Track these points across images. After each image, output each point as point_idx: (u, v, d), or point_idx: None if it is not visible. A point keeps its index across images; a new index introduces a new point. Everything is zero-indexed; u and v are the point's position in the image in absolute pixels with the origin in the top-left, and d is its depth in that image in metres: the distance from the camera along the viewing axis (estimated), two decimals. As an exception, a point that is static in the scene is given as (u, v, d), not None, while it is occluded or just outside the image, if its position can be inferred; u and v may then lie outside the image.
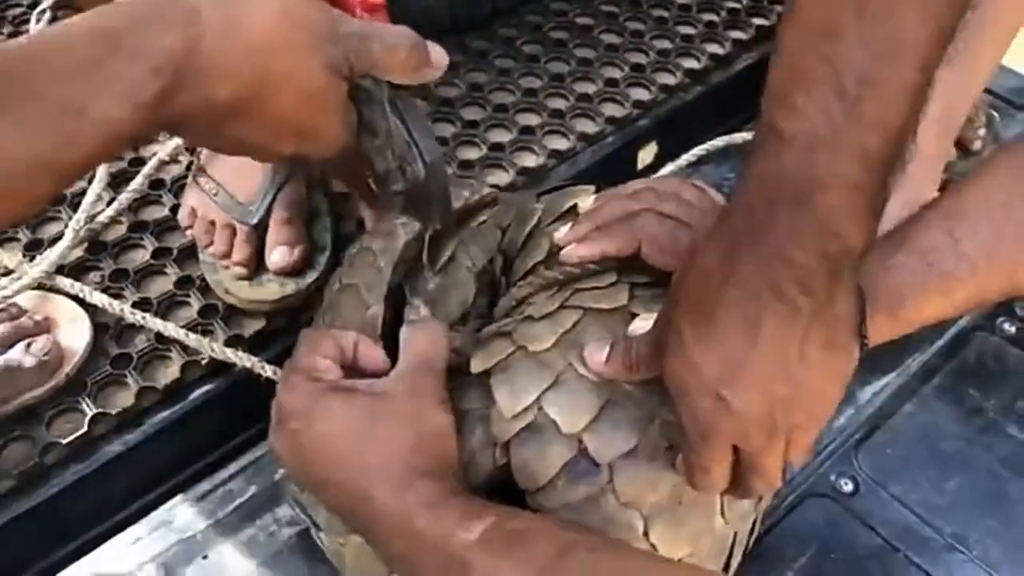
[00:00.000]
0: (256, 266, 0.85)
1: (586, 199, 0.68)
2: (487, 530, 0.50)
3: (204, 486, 0.78)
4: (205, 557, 0.74)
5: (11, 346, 0.79)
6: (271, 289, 0.85)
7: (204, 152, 0.91)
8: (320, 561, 0.70)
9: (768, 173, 0.47)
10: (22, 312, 0.82)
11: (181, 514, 0.77)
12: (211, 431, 0.81)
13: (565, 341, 0.58)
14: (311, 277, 0.85)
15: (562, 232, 0.64)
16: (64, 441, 0.77)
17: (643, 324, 0.57)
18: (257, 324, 0.85)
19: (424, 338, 0.59)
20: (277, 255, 0.84)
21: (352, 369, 0.59)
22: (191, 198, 0.89)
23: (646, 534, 0.56)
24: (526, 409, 0.56)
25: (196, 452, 0.82)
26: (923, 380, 0.86)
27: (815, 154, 0.45)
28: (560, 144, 1.03)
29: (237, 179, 0.87)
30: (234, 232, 0.86)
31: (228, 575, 0.73)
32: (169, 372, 0.82)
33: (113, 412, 0.79)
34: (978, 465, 0.79)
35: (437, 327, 0.61)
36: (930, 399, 0.84)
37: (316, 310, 0.71)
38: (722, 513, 0.59)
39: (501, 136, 1.04)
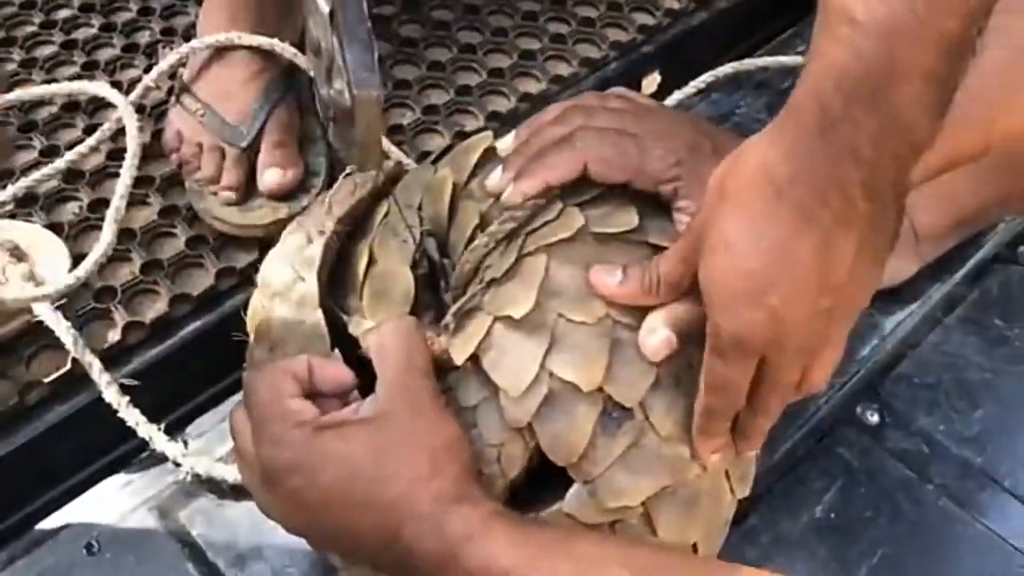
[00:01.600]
0: (246, 191, 0.80)
1: (502, 142, 0.62)
2: (551, 558, 0.46)
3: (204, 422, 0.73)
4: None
5: None
6: (262, 214, 0.80)
7: (187, 70, 0.85)
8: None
9: (843, 65, 0.43)
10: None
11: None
12: (202, 368, 0.76)
13: (544, 292, 0.53)
14: (305, 201, 0.80)
15: (495, 178, 0.58)
16: (46, 380, 0.72)
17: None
18: (250, 255, 0.80)
19: (396, 341, 0.51)
20: (270, 177, 0.79)
21: (314, 396, 0.51)
22: (176, 120, 0.84)
23: (693, 458, 0.53)
24: (536, 381, 0.51)
25: (187, 390, 0.77)
26: (946, 310, 0.83)
27: (895, 42, 0.42)
28: (562, 70, 0.98)
29: (225, 100, 0.82)
30: (223, 155, 0.80)
31: (227, 517, 0.69)
32: (157, 307, 0.77)
33: (98, 348, 0.74)
34: (1006, 395, 0.77)
35: (406, 323, 0.53)
36: (954, 329, 0.82)
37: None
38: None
39: (500, 61, 0.99)
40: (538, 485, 0.54)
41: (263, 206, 0.80)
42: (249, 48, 0.84)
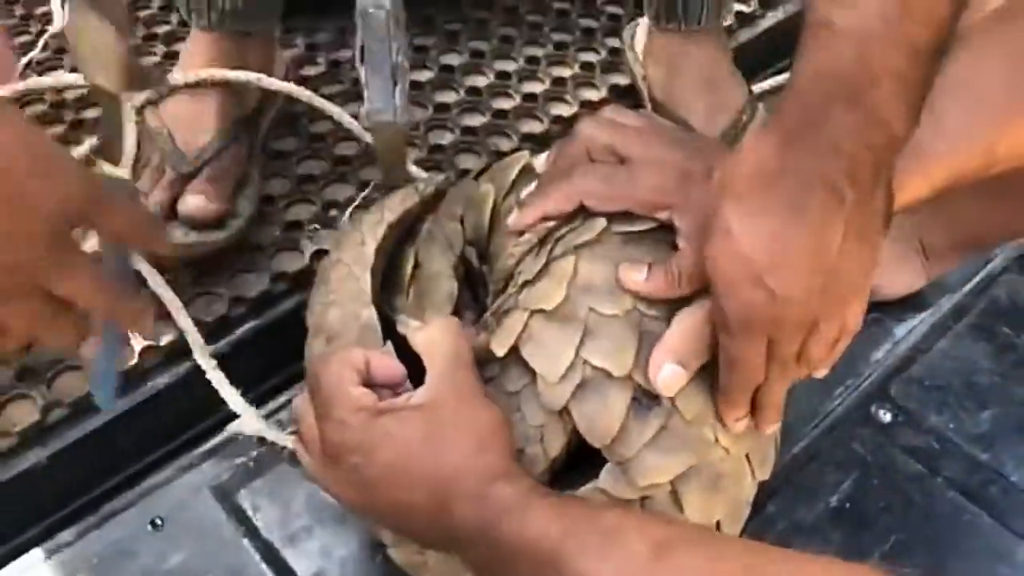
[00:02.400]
0: (169, 215, 0.83)
1: (538, 160, 0.68)
2: (578, 530, 0.49)
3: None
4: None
5: None
6: (174, 235, 0.82)
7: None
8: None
9: (822, 68, 0.48)
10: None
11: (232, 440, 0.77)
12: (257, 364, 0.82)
13: (575, 288, 0.58)
14: (216, 236, 0.84)
15: (514, 216, 0.63)
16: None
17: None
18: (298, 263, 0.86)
19: (444, 337, 0.57)
20: (193, 201, 0.82)
21: (369, 386, 0.56)
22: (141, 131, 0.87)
23: (717, 440, 0.57)
24: (571, 368, 0.56)
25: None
26: (956, 318, 0.87)
27: (869, 47, 0.47)
28: (592, 95, 1.05)
29: (185, 128, 0.86)
30: (162, 174, 0.85)
31: (282, 499, 0.74)
32: (214, 309, 0.83)
33: (162, 343, 0.80)
34: (1013, 397, 0.81)
35: (451, 322, 0.59)
36: (964, 336, 0.86)
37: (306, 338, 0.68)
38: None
39: (534, 87, 1.06)
40: (576, 466, 0.59)
41: (178, 228, 0.83)
42: (223, 89, 0.89)
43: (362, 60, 0.65)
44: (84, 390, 0.77)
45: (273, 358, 0.81)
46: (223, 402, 0.76)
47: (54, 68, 1.05)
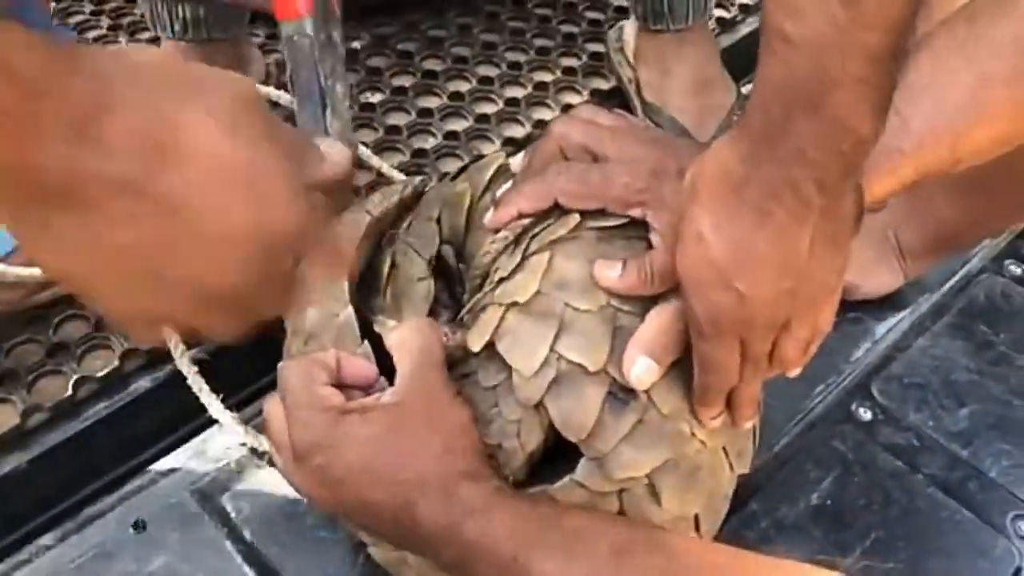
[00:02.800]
0: None
1: (514, 160, 0.69)
2: (543, 532, 0.50)
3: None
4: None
5: None
6: None
7: None
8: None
9: (780, 78, 0.48)
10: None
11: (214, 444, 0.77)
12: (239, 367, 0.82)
13: (549, 282, 0.58)
14: None
15: (490, 215, 0.63)
16: (97, 375, 0.78)
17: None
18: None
19: (415, 336, 0.57)
20: None
21: (341, 387, 0.56)
22: None
23: (693, 434, 0.58)
24: (546, 363, 0.56)
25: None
26: (935, 318, 0.88)
27: (824, 56, 0.46)
28: (573, 99, 1.06)
29: None
30: None
31: (263, 502, 0.74)
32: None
33: (143, 348, 0.80)
34: (990, 394, 0.82)
35: (423, 322, 0.59)
36: (942, 335, 0.87)
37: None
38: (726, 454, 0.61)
39: (516, 92, 1.07)
40: (554, 459, 0.59)
41: None
42: None
43: (292, 89, 0.65)
44: (65, 393, 0.77)
45: (255, 362, 0.81)
46: (203, 407, 0.76)
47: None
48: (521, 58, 1.11)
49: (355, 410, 0.54)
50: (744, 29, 1.16)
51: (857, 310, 0.87)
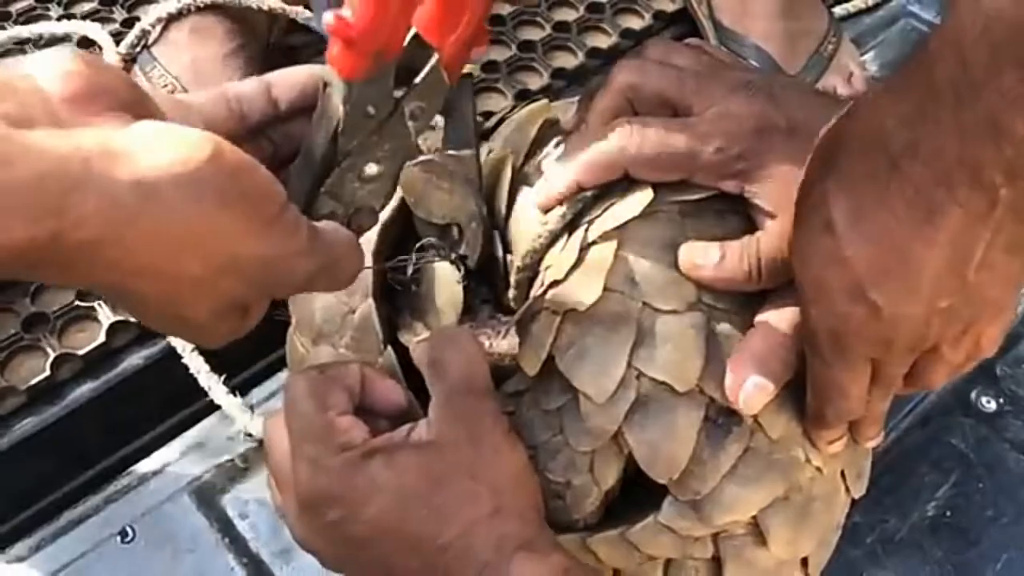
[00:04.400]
0: None
1: (563, 113, 0.54)
2: None
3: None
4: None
5: None
6: None
7: (157, 38, 0.79)
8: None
9: (994, 10, 0.33)
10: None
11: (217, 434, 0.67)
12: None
13: (617, 278, 0.45)
14: None
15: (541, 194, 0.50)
16: (80, 352, 0.67)
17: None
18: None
19: (453, 353, 0.45)
20: None
21: (363, 412, 0.45)
22: None
23: (808, 460, 0.46)
24: (622, 384, 0.44)
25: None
26: (1069, 285, 0.74)
27: None
28: (634, 23, 0.91)
29: (197, 77, 0.76)
30: None
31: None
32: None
33: (133, 320, 0.69)
34: None
35: (462, 334, 0.46)
36: (1079, 306, 0.73)
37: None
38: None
39: (566, 15, 0.92)
40: (631, 493, 0.47)
41: None
42: (228, 21, 0.78)
43: None
44: (42, 374, 0.66)
45: (258, 340, 0.69)
46: (203, 389, 0.66)
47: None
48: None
49: (380, 451, 0.42)
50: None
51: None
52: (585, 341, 0.45)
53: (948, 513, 0.63)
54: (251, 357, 0.70)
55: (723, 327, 0.44)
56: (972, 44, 0.34)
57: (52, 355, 0.67)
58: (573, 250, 0.46)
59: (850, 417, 0.44)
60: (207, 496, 0.64)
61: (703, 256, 0.45)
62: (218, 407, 0.67)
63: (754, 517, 0.45)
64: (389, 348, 0.48)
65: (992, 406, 0.68)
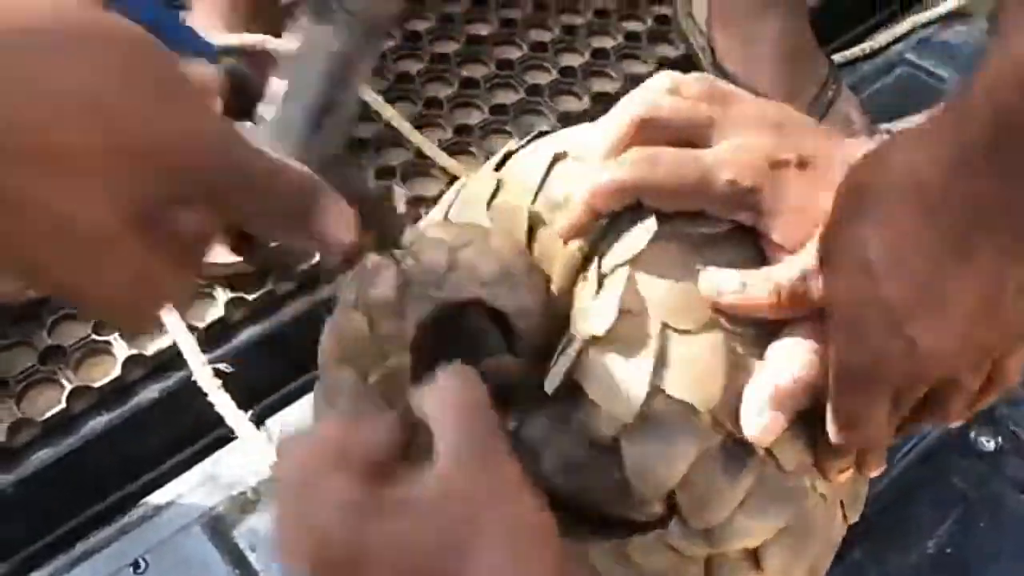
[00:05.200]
0: None
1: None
2: None
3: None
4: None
5: None
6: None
7: None
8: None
9: (1022, 56, 0.34)
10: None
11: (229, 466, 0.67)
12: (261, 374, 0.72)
13: (633, 300, 0.45)
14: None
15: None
16: (96, 385, 0.68)
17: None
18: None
19: (456, 388, 0.41)
20: None
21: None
22: None
23: (814, 488, 0.47)
24: (642, 401, 0.44)
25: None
26: (1065, 327, 0.76)
27: None
28: (638, 68, 0.94)
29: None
30: None
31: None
32: (211, 313, 0.73)
33: (148, 353, 0.70)
34: None
35: (464, 370, 0.42)
36: (1075, 348, 0.74)
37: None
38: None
39: (571, 60, 0.94)
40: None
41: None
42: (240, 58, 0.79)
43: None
44: (58, 406, 0.67)
45: (274, 369, 0.71)
46: (217, 422, 0.67)
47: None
48: (577, 21, 0.99)
49: (386, 505, 0.38)
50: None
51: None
52: (605, 362, 0.45)
53: (949, 551, 0.63)
54: (263, 390, 0.72)
55: (739, 353, 0.45)
56: (1008, 89, 0.35)
57: (68, 388, 0.68)
58: (593, 281, 0.47)
59: (870, 446, 0.45)
60: (219, 528, 0.64)
61: (726, 282, 0.45)
62: (230, 440, 0.68)
63: (758, 546, 0.46)
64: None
65: (991, 445, 0.69)
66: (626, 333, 0.45)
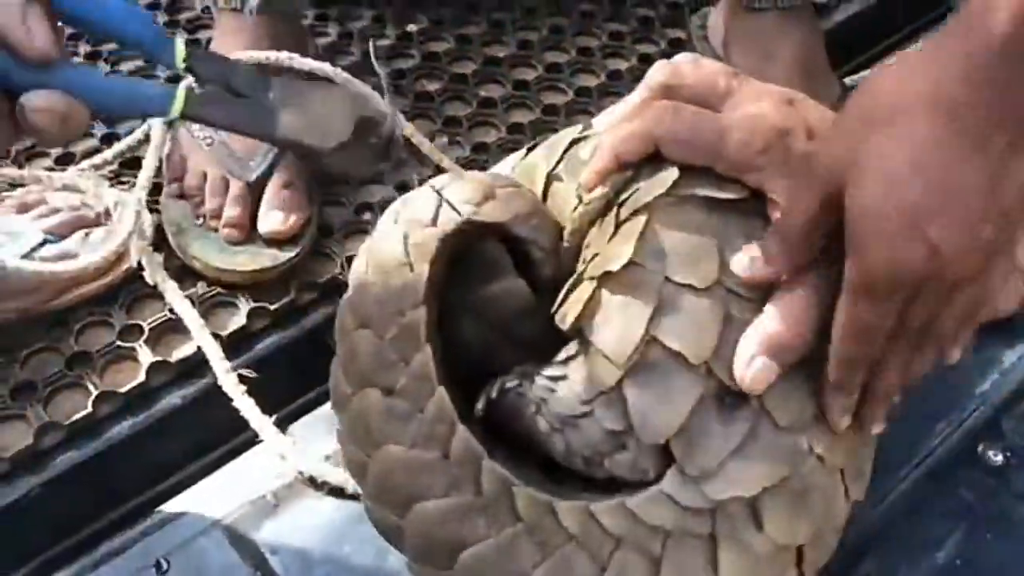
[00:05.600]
0: (247, 231, 0.76)
1: (598, 119, 0.57)
2: None
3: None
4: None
5: (69, 235, 0.74)
6: (243, 260, 0.75)
7: None
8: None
9: None
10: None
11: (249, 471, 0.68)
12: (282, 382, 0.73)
13: (646, 248, 0.48)
14: (290, 253, 0.76)
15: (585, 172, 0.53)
16: (122, 390, 0.70)
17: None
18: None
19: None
20: (272, 220, 0.75)
21: None
22: (181, 145, 0.80)
23: (811, 449, 0.48)
24: (636, 347, 0.46)
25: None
26: (1073, 344, 0.77)
27: None
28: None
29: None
30: (227, 188, 0.77)
31: (307, 541, 0.65)
32: (233, 321, 0.75)
33: (172, 360, 0.71)
34: None
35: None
36: (1083, 364, 0.75)
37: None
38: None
39: (587, 81, 0.97)
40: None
41: (246, 252, 0.75)
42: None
43: None
44: (84, 410, 0.68)
45: (293, 378, 0.72)
46: (238, 428, 0.68)
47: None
48: (592, 43, 1.01)
49: None
50: (838, 16, 1.05)
51: (980, 335, 0.76)
52: (610, 306, 0.47)
53: (958, 562, 0.64)
54: (284, 397, 0.73)
55: (738, 310, 0.47)
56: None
57: (94, 393, 0.70)
58: (609, 226, 0.49)
59: (871, 360, 0.46)
60: (240, 531, 0.65)
61: (748, 262, 0.47)
62: (252, 446, 0.69)
63: (753, 499, 0.47)
64: (441, 389, 0.49)
65: (999, 459, 0.70)
66: (633, 279, 0.47)
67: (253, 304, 0.75)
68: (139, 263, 0.74)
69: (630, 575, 0.48)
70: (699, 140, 0.49)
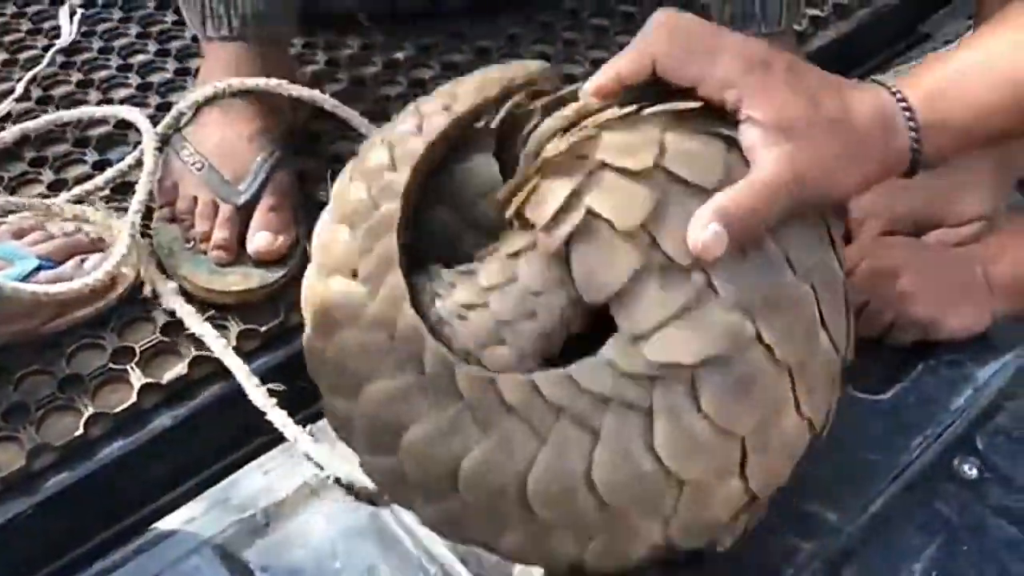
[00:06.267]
0: (235, 254, 0.78)
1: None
2: None
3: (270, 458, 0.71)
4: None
5: (64, 261, 0.75)
6: (232, 280, 0.76)
7: (188, 127, 0.84)
8: (393, 540, 0.64)
9: None
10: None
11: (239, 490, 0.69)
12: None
13: (587, 145, 0.50)
14: (278, 273, 0.77)
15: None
16: (113, 412, 0.71)
17: None
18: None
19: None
20: (260, 240, 0.77)
21: None
22: (173, 171, 0.82)
23: (760, 339, 0.49)
24: (564, 209, 0.49)
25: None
26: (1044, 361, 0.79)
27: None
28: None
29: (224, 155, 0.80)
30: (216, 211, 0.78)
31: (296, 559, 0.66)
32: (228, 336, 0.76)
33: (163, 382, 0.72)
34: (1115, 449, 0.72)
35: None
36: (1054, 381, 0.77)
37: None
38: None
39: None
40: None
41: (235, 272, 0.77)
42: (256, 104, 0.83)
43: None
44: (76, 432, 0.69)
45: (282, 399, 0.73)
46: (228, 448, 0.71)
47: (61, 83, 1.00)
48: (576, 71, 1.03)
49: None
50: (817, 43, 1.08)
51: (954, 352, 0.78)
52: (544, 186, 0.50)
53: (934, 573, 0.65)
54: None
55: (676, 197, 0.49)
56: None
57: (86, 414, 0.70)
58: (567, 140, 0.51)
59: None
60: (231, 550, 0.66)
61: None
62: (241, 465, 0.70)
63: (692, 373, 0.48)
64: (397, 272, 0.51)
65: (974, 473, 0.71)
66: (568, 163, 0.50)
67: (243, 327, 0.76)
68: (153, 291, 0.76)
69: (569, 448, 0.48)
70: (692, 58, 0.53)
